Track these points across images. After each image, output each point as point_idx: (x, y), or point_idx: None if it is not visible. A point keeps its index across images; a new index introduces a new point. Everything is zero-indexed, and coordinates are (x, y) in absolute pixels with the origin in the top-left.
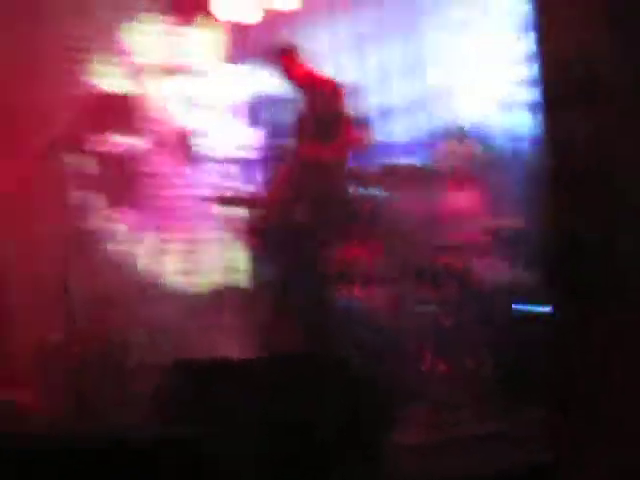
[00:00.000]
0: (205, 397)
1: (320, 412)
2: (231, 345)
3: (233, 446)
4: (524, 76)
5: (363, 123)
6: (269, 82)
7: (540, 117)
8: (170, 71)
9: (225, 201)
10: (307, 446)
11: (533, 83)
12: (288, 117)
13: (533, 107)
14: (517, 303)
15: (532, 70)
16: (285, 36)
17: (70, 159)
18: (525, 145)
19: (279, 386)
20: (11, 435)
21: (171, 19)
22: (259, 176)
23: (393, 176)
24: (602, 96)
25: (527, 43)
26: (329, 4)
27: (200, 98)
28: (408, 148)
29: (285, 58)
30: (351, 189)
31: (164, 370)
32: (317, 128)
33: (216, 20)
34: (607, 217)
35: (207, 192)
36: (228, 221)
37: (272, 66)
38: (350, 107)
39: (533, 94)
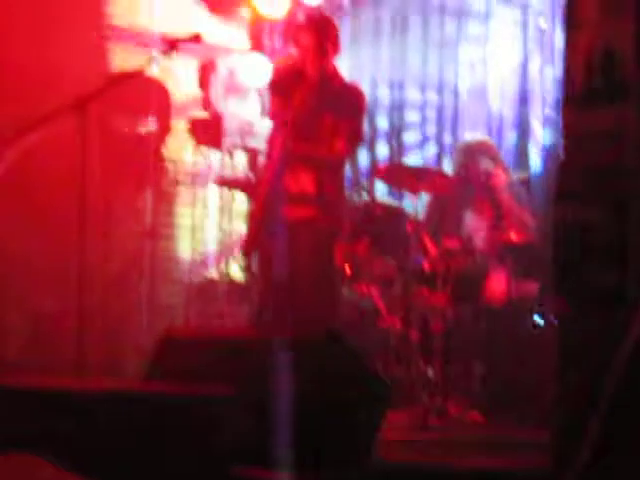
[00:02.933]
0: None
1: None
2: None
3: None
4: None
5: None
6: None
7: (562, 116)
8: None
9: (223, 183)
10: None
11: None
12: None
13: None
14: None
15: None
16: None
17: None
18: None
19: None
20: None
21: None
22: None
23: (419, 178)
24: (624, 94)
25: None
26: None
27: (224, 84)
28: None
29: (312, 34)
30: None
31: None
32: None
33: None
34: (620, 216)
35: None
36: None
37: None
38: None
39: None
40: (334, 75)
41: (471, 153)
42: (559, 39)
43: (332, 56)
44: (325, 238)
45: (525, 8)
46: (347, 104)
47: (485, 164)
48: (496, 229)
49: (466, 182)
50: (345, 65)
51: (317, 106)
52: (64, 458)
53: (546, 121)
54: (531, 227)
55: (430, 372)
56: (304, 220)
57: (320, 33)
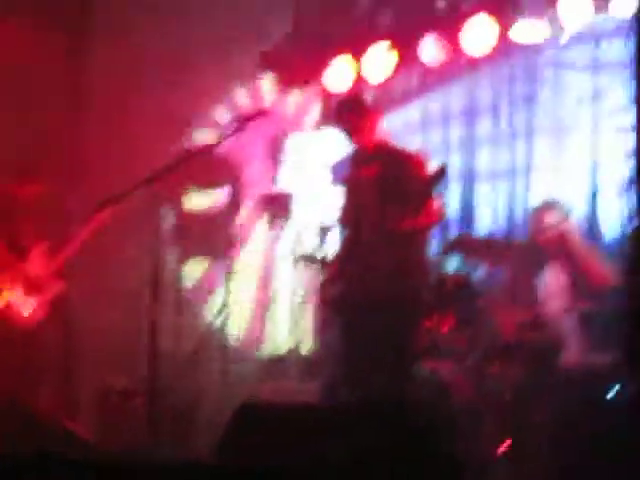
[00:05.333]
0: (269, 438)
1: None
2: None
3: None
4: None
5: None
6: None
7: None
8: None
9: (303, 259)
10: None
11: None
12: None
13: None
14: (591, 385)
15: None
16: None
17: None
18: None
19: (343, 430)
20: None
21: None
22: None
23: (491, 249)
24: None
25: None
26: (419, 80)
27: (293, 160)
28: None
29: (350, 114)
30: (434, 260)
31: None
32: (394, 196)
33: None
34: None
35: (285, 253)
36: (301, 286)
37: (340, 124)
38: (430, 179)
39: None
40: (385, 147)
41: (541, 216)
42: None
43: (372, 130)
44: (405, 314)
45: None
46: (412, 172)
47: (556, 223)
48: (573, 293)
49: (538, 250)
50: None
51: (383, 184)
52: None
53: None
54: (610, 280)
55: (505, 445)
56: (384, 293)
57: (351, 116)
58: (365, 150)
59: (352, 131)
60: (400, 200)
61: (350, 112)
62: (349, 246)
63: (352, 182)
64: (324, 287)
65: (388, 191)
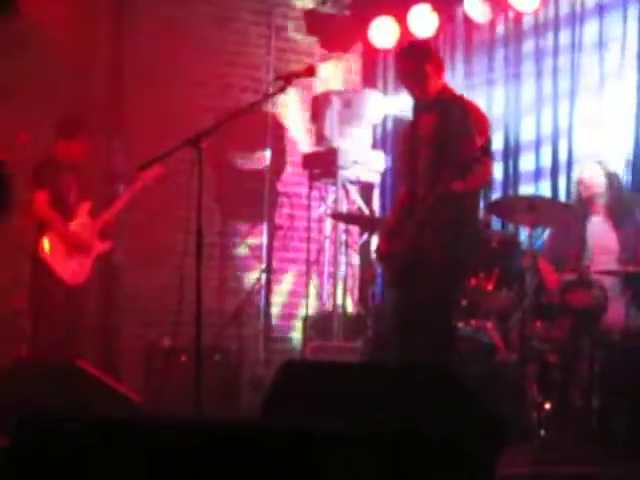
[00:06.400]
0: (312, 395)
1: (430, 422)
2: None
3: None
4: None
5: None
6: (401, 104)
7: None
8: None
9: (342, 218)
10: (411, 454)
11: None
12: (415, 139)
13: None
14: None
15: None
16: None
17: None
18: None
19: (388, 391)
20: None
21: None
22: (381, 198)
23: (533, 209)
24: None
25: None
26: (466, 37)
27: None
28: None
29: (412, 59)
30: (483, 221)
31: (277, 371)
32: (447, 153)
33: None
34: None
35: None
36: (347, 244)
37: (401, 69)
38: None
39: None
40: (447, 94)
41: (585, 175)
42: None
43: (436, 76)
44: (443, 269)
45: None
46: (468, 121)
47: (600, 182)
48: (618, 253)
49: (583, 209)
50: None
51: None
52: None
53: None
54: None
55: (547, 405)
56: (423, 250)
57: (414, 58)
58: (425, 97)
59: (412, 77)
60: (454, 154)
61: (412, 56)
62: (402, 203)
63: (409, 135)
64: (375, 244)
65: (444, 140)
